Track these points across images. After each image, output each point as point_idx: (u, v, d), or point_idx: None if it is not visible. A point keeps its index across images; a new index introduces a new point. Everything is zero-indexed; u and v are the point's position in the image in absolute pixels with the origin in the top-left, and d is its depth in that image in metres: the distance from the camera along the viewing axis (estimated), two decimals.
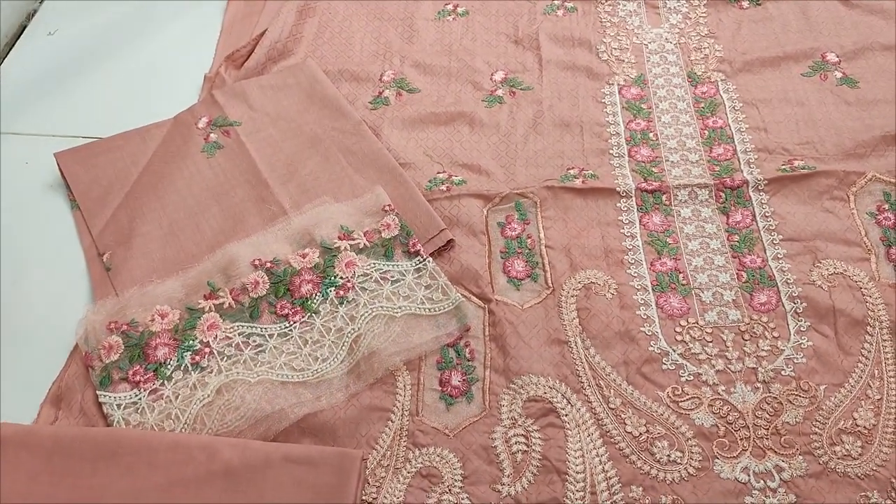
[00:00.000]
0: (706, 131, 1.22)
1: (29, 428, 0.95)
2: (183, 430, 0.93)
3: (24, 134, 1.30)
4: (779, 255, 1.06)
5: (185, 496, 0.87)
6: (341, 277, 1.05)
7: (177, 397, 0.96)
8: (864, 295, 1.00)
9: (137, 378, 0.97)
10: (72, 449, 0.90)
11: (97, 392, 0.97)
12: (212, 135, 1.25)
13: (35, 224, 1.18)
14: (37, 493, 0.88)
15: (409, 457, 0.91)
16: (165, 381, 0.97)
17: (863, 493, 0.85)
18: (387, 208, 1.11)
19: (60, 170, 1.21)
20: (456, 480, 0.89)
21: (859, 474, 0.87)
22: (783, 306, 1.01)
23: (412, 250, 1.07)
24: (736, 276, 1.05)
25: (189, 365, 0.98)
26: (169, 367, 0.98)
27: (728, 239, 1.09)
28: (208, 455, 0.89)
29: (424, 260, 1.07)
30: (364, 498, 0.88)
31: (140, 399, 0.96)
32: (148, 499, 0.87)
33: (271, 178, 1.18)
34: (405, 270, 1.06)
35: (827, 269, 1.04)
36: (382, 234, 1.09)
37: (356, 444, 0.92)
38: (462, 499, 0.88)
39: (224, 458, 0.89)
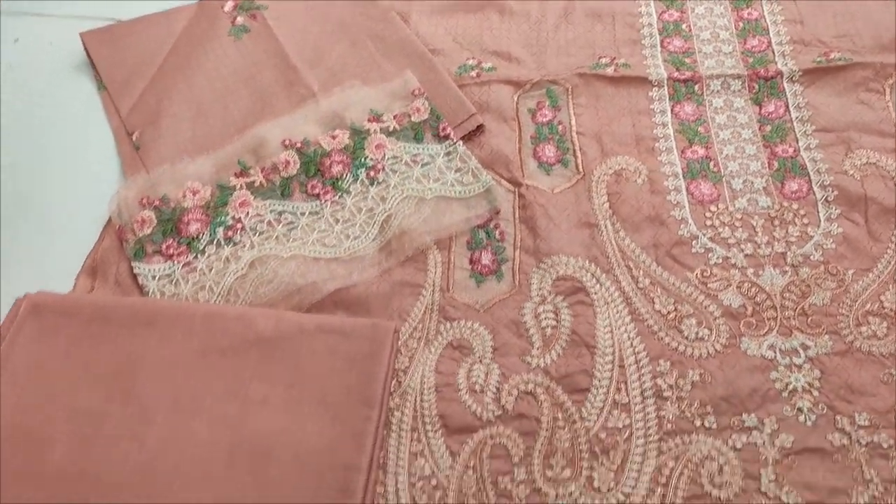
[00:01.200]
0: (741, 23, 1.20)
1: (67, 296, 0.96)
2: (217, 302, 0.95)
3: (48, 15, 1.28)
4: (811, 146, 1.05)
5: (220, 363, 0.89)
6: (371, 159, 1.05)
7: (210, 270, 0.97)
8: None
9: (171, 251, 0.98)
10: (110, 316, 0.92)
11: (132, 264, 0.98)
12: (238, 18, 1.23)
13: (62, 105, 1.17)
14: (77, 357, 0.89)
15: (440, 329, 0.93)
16: (199, 255, 0.98)
17: (886, 371, 0.87)
18: (416, 92, 1.10)
19: (86, 50, 1.20)
20: (487, 352, 0.91)
21: (884, 353, 0.88)
22: (814, 194, 1.01)
23: (442, 134, 1.07)
24: (767, 165, 1.05)
25: (222, 239, 0.99)
26: (202, 241, 0.99)
27: (760, 129, 1.08)
28: (243, 324, 0.91)
29: (454, 143, 1.06)
30: (397, 367, 0.90)
31: (174, 271, 0.97)
32: (185, 365, 0.89)
33: (299, 62, 1.17)
34: (435, 154, 1.06)
35: (859, 160, 1.03)
36: (412, 118, 1.09)
37: (389, 317, 0.94)
38: (493, 369, 0.90)
39: (258, 328, 0.90)
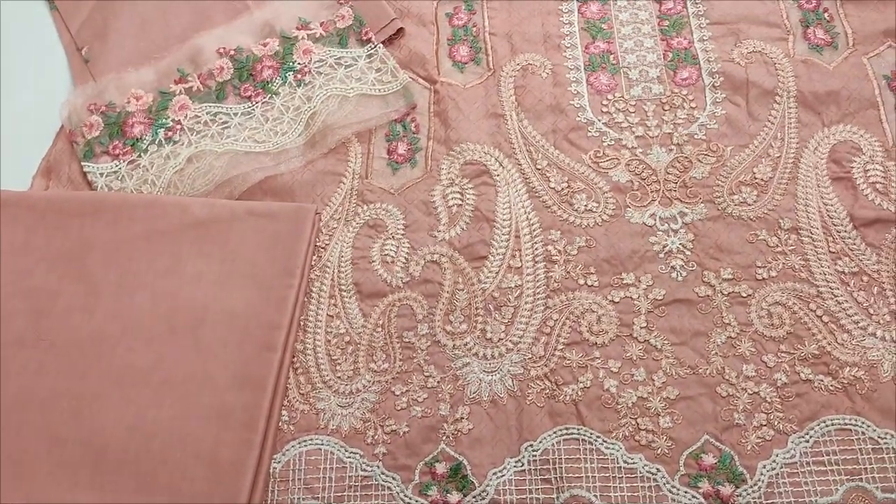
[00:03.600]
0: None
1: (24, 193, 1.07)
2: (158, 193, 1.05)
3: None
4: (704, 38, 1.14)
5: (160, 244, 1.00)
6: (299, 63, 1.14)
7: (152, 166, 1.07)
8: (777, 69, 1.09)
9: (117, 151, 1.09)
10: (62, 208, 1.03)
11: (82, 164, 1.09)
12: None
13: (15, 24, 1.26)
14: (34, 244, 1.01)
15: (358, 211, 1.04)
16: (142, 154, 1.09)
17: (752, 232, 0.97)
18: (341, 1, 1.19)
19: None
20: (398, 229, 1.02)
21: (752, 217, 0.98)
22: (703, 81, 1.10)
23: (364, 38, 1.16)
24: (662, 56, 1.13)
25: (163, 139, 1.09)
26: (145, 141, 1.09)
27: (659, 24, 1.17)
28: (181, 210, 1.02)
29: (376, 46, 1.15)
30: (318, 244, 1.01)
31: (120, 168, 1.08)
32: (129, 247, 1.00)
33: None
34: (358, 56, 1.15)
35: (746, 48, 1.12)
36: (337, 25, 1.18)
37: (312, 202, 1.04)
38: (403, 243, 1.00)
39: (194, 213, 1.01)
